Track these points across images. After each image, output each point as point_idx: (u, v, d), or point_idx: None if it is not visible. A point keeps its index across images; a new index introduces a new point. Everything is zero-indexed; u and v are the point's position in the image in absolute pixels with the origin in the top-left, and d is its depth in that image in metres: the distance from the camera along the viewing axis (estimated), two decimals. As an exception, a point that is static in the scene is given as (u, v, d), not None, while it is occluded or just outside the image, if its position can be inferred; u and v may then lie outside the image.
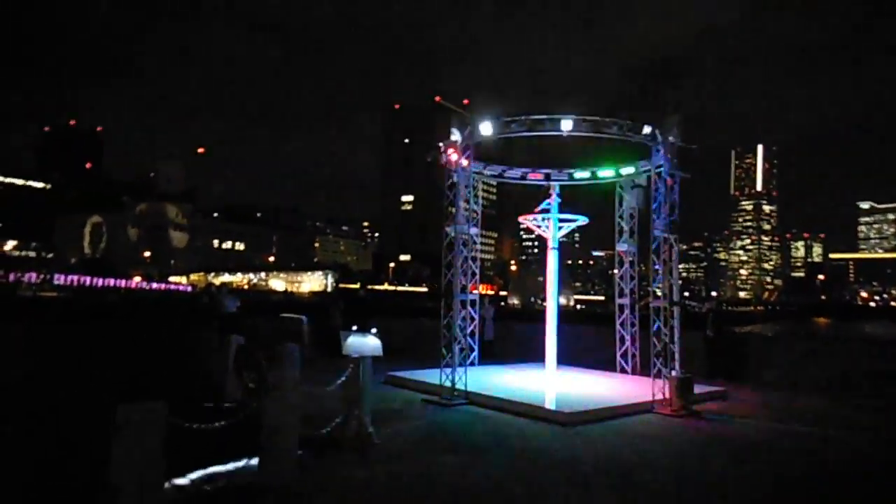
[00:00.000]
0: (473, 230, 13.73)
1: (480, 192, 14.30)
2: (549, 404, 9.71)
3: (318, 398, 7.85)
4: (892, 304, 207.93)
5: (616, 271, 14.21)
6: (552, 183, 12.94)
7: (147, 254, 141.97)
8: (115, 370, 11.37)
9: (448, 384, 10.39)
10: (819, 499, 6.24)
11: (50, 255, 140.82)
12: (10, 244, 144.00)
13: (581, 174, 13.32)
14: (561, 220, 12.41)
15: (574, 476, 6.54)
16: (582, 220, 12.32)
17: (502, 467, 6.79)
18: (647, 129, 9.89)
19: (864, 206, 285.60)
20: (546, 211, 12.51)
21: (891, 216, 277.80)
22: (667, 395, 10.21)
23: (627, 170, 12.78)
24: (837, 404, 11.54)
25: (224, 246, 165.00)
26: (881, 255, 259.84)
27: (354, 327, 7.63)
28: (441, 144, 11.18)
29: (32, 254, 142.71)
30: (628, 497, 5.97)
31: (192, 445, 5.54)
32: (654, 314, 10.63)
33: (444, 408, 9.94)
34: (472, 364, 14.05)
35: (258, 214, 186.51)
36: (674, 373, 10.36)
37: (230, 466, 6.20)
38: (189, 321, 15.83)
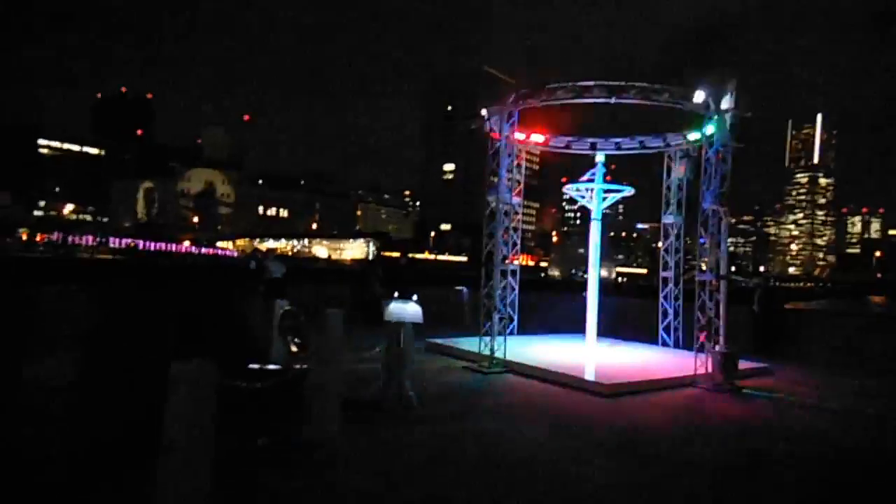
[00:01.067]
0: (515, 200, 13.58)
1: (524, 162, 14.10)
2: (589, 375, 9.68)
3: (360, 363, 8.06)
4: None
5: (661, 244, 13.90)
6: (598, 152, 12.65)
7: (195, 219, 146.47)
8: (168, 332, 11.86)
9: (487, 352, 10.46)
10: (851, 482, 6.09)
11: (105, 219, 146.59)
12: (67, 208, 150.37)
13: (629, 144, 12.98)
14: (605, 191, 12.17)
15: (611, 446, 6.55)
16: (627, 191, 12.05)
17: (540, 435, 6.84)
18: (699, 96, 9.51)
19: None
20: (591, 181, 12.27)
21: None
22: (709, 370, 10.05)
23: (677, 139, 12.39)
24: (886, 383, 11.14)
25: (268, 213, 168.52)
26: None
27: (395, 294, 7.72)
28: (484, 112, 11.04)
29: (89, 217, 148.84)
30: (665, 471, 5.94)
31: (239, 404, 5.77)
32: (700, 288, 10.39)
33: (483, 375, 10.04)
34: (511, 333, 14.13)
35: (301, 182, 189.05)
36: (717, 348, 10.16)
37: (275, 426, 6.43)
38: (237, 286, 16.28)
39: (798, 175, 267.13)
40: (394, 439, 6.39)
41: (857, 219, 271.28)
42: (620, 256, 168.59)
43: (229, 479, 4.78)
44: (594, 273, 12.32)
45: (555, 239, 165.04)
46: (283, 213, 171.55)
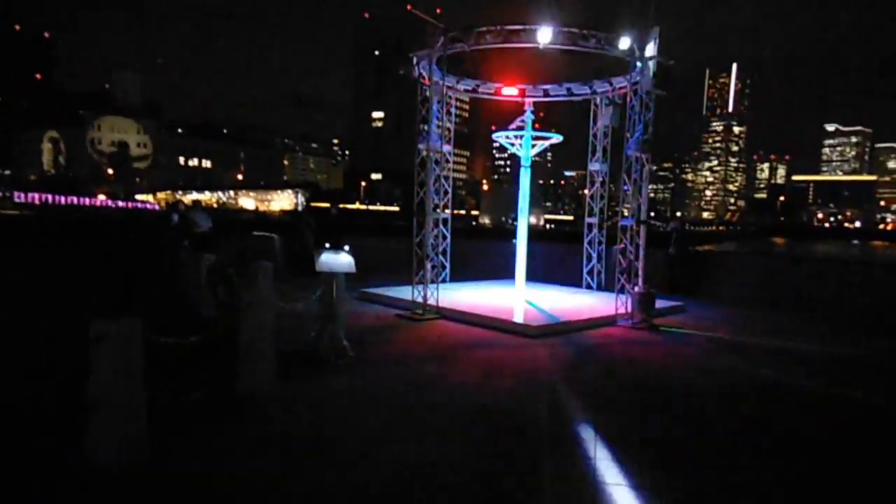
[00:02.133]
0: (446, 148, 13.59)
1: (454, 109, 14.04)
2: (518, 318, 10.05)
3: (291, 315, 8.00)
4: (845, 224, 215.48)
5: (586, 191, 14.36)
6: (526, 99, 12.75)
7: (110, 171, 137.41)
8: (88, 290, 11.31)
9: (420, 300, 10.63)
10: (749, 401, 6.74)
11: (6, 172, 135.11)
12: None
13: (556, 91, 13.14)
14: (534, 138, 12.35)
15: (540, 382, 6.91)
16: (555, 138, 12.28)
17: (472, 377, 7.12)
18: (625, 43, 9.70)
19: (830, 128, 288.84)
20: (520, 128, 12.39)
21: (854, 139, 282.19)
22: (629, 310, 10.66)
23: (603, 87, 12.65)
24: (785, 318, 12.19)
25: (190, 163, 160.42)
26: (840, 177, 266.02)
27: (327, 245, 7.66)
28: (413, 56, 10.84)
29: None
30: (588, 402, 6.35)
31: (168, 361, 5.67)
32: (621, 233, 10.88)
33: (416, 322, 10.22)
34: (443, 281, 14.36)
35: (224, 131, 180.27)
36: (637, 289, 10.76)
37: (207, 380, 6.37)
38: (159, 240, 15.57)
39: (714, 123, 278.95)
40: (327, 388, 6.47)
41: (766, 165, 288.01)
42: (548, 204, 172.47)
43: (162, 434, 4.73)
44: (523, 220, 12.62)
45: (485, 187, 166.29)
46: (206, 163, 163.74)
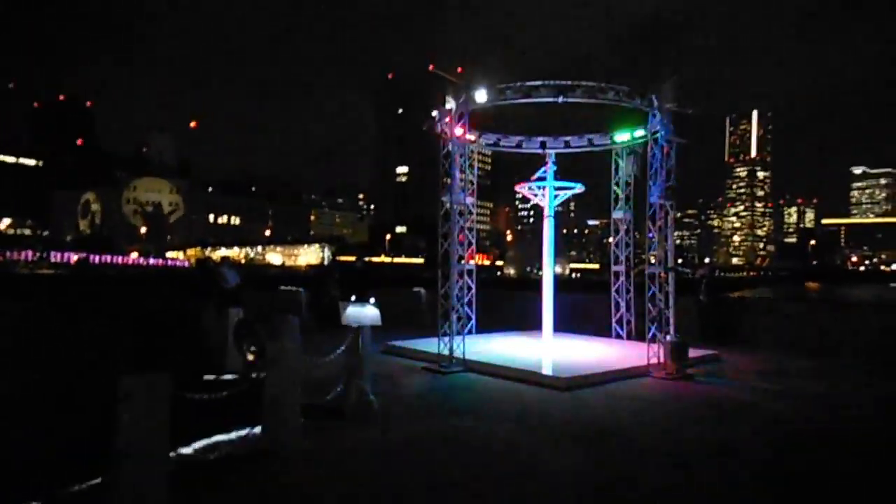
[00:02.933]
0: (469, 200, 13.74)
1: (476, 162, 14.25)
2: (547, 370, 9.86)
3: (318, 368, 7.97)
4: (882, 267, 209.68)
5: (611, 239, 14.28)
6: (548, 151, 12.90)
7: (143, 230, 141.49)
8: (117, 346, 11.48)
9: (446, 352, 10.52)
10: (806, 452, 6.42)
11: (45, 233, 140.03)
12: (4, 222, 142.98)
13: (577, 142, 13.28)
14: (557, 188, 12.42)
15: (573, 437, 6.70)
16: (578, 188, 12.34)
17: (502, 430, 6.94)
18: (642, 95, 9.83)
19: (857, 171, 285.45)
20: (542, 179, 12.49)
21: (882, 181, 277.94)
22: (662, 360, 10.38)
23: (623, 136, 12.75)
24: (825, 365, 11.74)
25: (220, 220, 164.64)
26: (871, 219, 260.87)
27: (353, 297, 7.69)
28: (435, 113, 11.11)
29: (28, 231, 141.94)
30: (624, 456, 6.12)
31: (195, 416, 5.66)
32: (649, 280, 10.73)
33: (442, 375, 10.09)
34: (469, 332, 14.24)
35: (253, 188, 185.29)
36: (668, 337, 10.51)
37: (233, 435, 6.33)
38: (188, 297, 15.84)
39: (737, 169, 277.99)
40: (355, 444, 6.36)
41: (794, 209, 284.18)
42: (573, 252, 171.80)
43: (188, 487, 4.68)
44: (548, 270, 12.55)
45: (509, 238, 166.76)
46: (235, 220, 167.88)
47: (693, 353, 11.02)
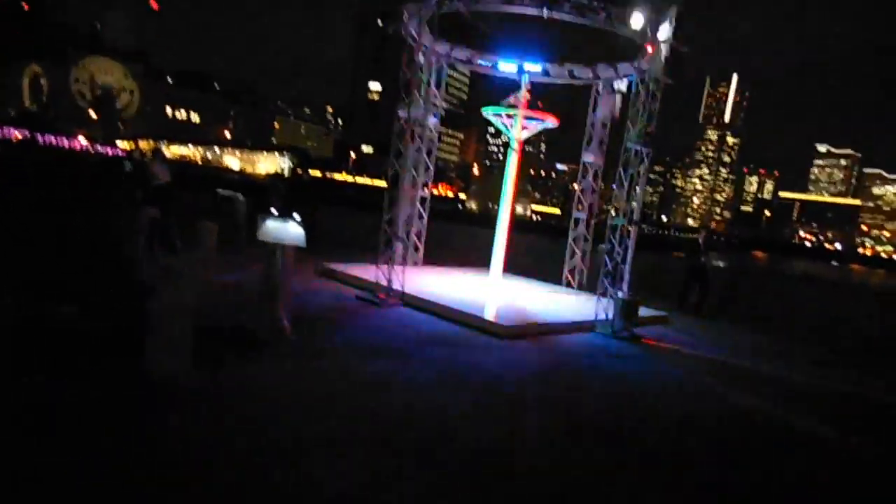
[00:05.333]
0: (433, 120, 12.55)
1: (445, 80, 12.95)
2: (488, 315, 9.12)
3: (234, 289, 6.99)
4: (826, 245, 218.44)
5: (577, 184, 13.41)
6: (524, 76, 11.69)
7: (93, 115, 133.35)
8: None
9: (384, 282, 9.64)
10: (735, 451, 5.91)
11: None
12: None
13: (557, 71, 12.10)
14: (527, 118, 11.32)
15: (501, 394, 5.99)
16: (550, 123, 11.27)
17: (426, 376, 6.17)
18: (637, 21, 8.69)
19: (822, 148, 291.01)
20: (513, 105, 11.35)
21: (843, 162, 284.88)
22: (610, 317, 9.80)
23: (607, 72, 11.64)
24: (779, 340, 11.45)
25: (177, 115, 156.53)
26: (826, 198, 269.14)
27: (273, 211, 6.61)
28: (404, 12, 9.72)
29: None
30: (549, 419, 5.46)
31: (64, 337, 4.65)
32: (610, 232, 9.97)
33: (376, 307, 9.24)
34: (416, 264, 13.39)
35: (216, 86, 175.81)
36: (620, 294, 9.88)
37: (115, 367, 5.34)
38: (111, 191, 14.31)
39: (709, 131, 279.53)
40: (255, 375, 5.47)
41: (755, 179, 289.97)
42: (537, 195, 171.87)
43: (50, 426, 3.74)
44: (506, 206, 11.64)
45: (476, 172, 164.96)
46: (195, 117, 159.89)
47: (643, 312, 10.47)
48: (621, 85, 11.49)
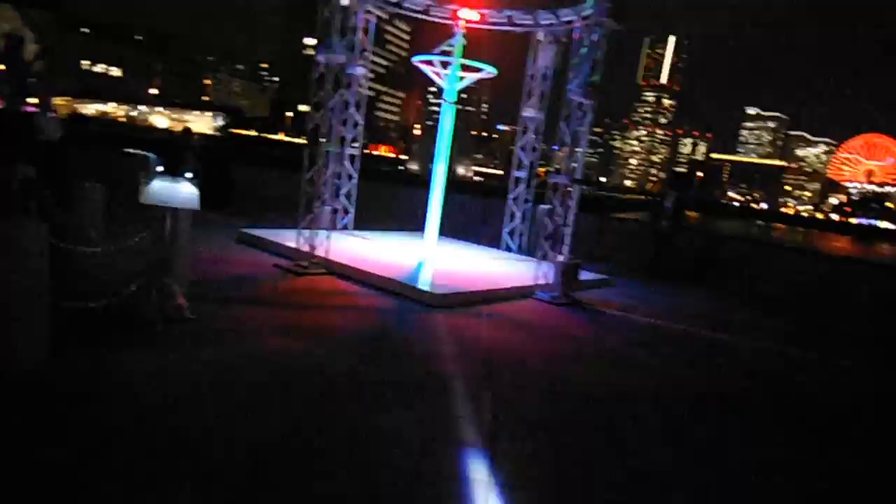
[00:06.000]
0: (359, 70, 11.48)
1: (373, 22, 11.83)
2: (420, 283, 8.40)
3: (126, 260, 5.95)
4: (752, 205, 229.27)
5: (517, 142, 12.70)
6: (460, 21, 10.73)
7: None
8: None
9: (306, 248, 8.73)
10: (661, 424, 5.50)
11: None
12: None
13: (495, 17, 11.20)
14: (464, 68, 10.42)
15: (429, 373, 5.31)
16: (488, 71, 10.40)
17: (344, 357, 5.42)
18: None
19: (751, 111, 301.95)
20: (447, 53, 10.41)
21: (771, 124, 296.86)
22: (550, 281, 9.28)
23: (548, 18, 10.83)
24: (720, 303, 11.30)
25: (95, 69, 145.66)
26: (754, 159, 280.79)
27: (160, 169, 5.57)
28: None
29: None
30: (477, 401, 4.83)
31: None
32: (551, 191, 9.35)
33: (296, 276, 8.34)
34: (345, 228, 12.48)
35: (139, 38, 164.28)
36: (560, 258, 9.35)
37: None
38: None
39: (646, 93, 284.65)
40: (124, 370, 4.54)
41: (689, 140, 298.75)
42: (479, 156, 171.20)
43: None
44: (441, 165, 10.81)
45: (417, 132, 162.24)
46: (115, 71, 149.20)
47: (585, 276, 10.02)
48: (561, 36, 10.71)
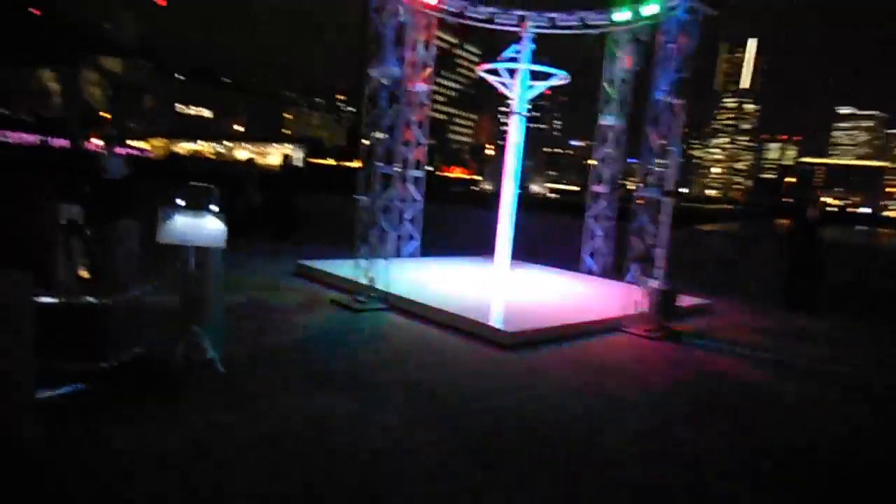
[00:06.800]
0: (420, 87, 10.74)
1: (434, 36, 11.08)
2: (492, 319, 7.34)
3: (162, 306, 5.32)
4: (849, 210, 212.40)
5: (594, 154, 11.49)
6: (526, 28, 9.75)
7: (106, 115, 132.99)
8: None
9: (364, 281, 7.91)
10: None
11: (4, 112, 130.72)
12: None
13: (566, 20, 10.16)
14: (533, 75, 9.39)
15: (502, 442, 4.24)
16: (561, 77, 9.33)
17: (400, 423, 4.44)
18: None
19: (844, 111, 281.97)
20: (513, 60, 9.43)
21: (866, 123, 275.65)
22: (641, 310, 7.99)
23: (623, 15, 9.67)
24: (832, 325, 9.53)
25: (189, 112, 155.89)
26: (849, 161, 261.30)
27: (178, 201, 4.88)
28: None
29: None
30: (571, 486, 3.69)
31: None
32: (639, 206, 8.10)
33: (353, 314, 7.51)
34: (412, 255, 11.68)
35: (226, 80, 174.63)
36: (653, 282, 8.03)
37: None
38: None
39: (726, 99, 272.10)
40: (128, 447, 3.77)
41: (776, 145, 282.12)
42: (553, 173, 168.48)
43: None
44: (509, 183, 9.77)
45: (490, 152, 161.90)
46: (206, 112, 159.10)
47: (685, 301, 8.64)
48: (641, 35, 9.50)
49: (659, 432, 4.73)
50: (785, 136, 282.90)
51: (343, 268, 9.09)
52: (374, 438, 4.11)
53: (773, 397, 5.93)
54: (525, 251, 11.98)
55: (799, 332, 8.93)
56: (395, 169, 8.90)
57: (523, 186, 11.41)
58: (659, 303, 7.87)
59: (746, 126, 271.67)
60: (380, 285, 7.97)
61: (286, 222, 13.35)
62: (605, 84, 10.84)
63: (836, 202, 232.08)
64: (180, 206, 4.78)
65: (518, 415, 4.81)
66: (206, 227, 4.75)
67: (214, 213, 4.82)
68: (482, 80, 10.10)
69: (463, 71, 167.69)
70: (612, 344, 7.25)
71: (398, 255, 11.50)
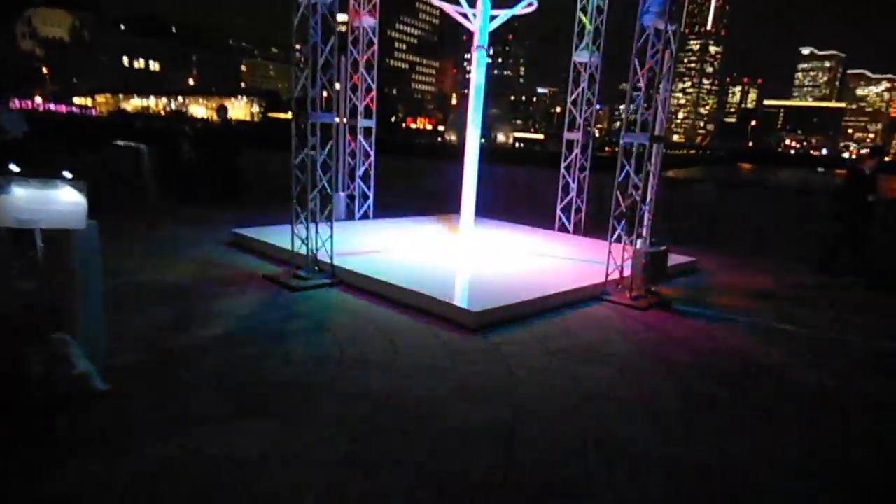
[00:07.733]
0: (368, 21, 9.29)
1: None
2: (456, 296, 6.25)
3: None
4: (812, 152, 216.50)
5: (569, 96, 10.28)
6: (486, -53, 8.32)
7: (45, 70, 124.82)
8: None
9: (304, 251, 6.71)
10: None
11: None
12: None
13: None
14: (496, 2, 8.06)
15: (472, 457, 3.21)
16: (525, 5, 8.01)
17: (334, 450, 3.36)
18: None
19: (805, 51, 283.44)
20: (471, -16, 8.06)
21: (827, 63, 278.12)
22: (625, 275, 7.01)
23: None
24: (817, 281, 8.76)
25: (136, 65, 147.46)
26: (810, 102, 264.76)
27: (14, 167, 3.60)
28: None
29: None
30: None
31: None
32: (623, 156, 7.00)
33: (290, 292, 6.32)
34: (365, 217, 10.46)
35: (174, 30, 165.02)
36: (641, 243, 7.02)
37: None
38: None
39: (691, 41, 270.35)
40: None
41: (738, 89, 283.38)
42: (519, 121, 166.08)
43: None
44: (473, 132, 8.53)
45: (454, 101, 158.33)
46: (154, 65, 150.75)
47: (670, 260, 7.68)
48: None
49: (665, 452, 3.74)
50: (747, 80, 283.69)
51: (283, 236, 7.81)
52: (316, 486, 3.02)
53: (823, 398, 5.02)
54: (492, 207, 10.88)
55: (806, 295, 8.10)
56: (337, 119, 7.55)
57: (488, 136, 10.18)
58: (646, 265, 6.89)
59: (710, 69, 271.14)
60: (324, 255, 6.79)
61: (227, 184, 11.92)
62: (580, 13, 9.54)
63: (796, 145, 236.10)
64: (19, 176, 3.47)
65: (502, 440, 3.76)
66: (58, 203, 3.46)
67: (70, 182, 3.53)
68: (442, 12, 8.69)
69: (424, 17, 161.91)
70: (595, 317, 6.25)
71: (351, 217, 10.27)
